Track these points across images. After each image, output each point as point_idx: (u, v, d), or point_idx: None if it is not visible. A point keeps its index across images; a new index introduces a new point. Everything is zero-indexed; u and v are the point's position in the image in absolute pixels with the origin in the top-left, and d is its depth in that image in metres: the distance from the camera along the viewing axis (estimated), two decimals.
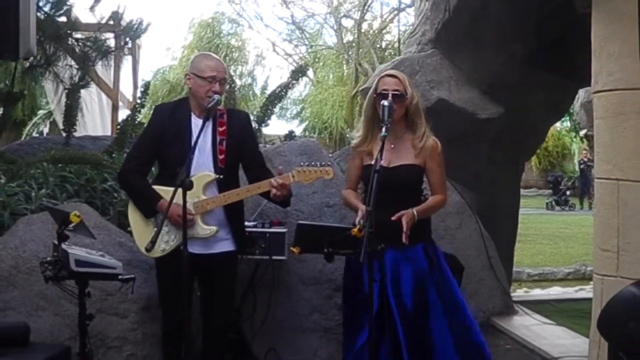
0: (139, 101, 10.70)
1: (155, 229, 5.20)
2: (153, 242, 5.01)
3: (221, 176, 5.56)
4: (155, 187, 5.68)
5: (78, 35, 10.52)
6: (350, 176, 5.79)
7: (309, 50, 43.05)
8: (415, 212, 5.30)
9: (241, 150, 5.76)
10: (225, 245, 5.73)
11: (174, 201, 5.04)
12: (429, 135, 5.52)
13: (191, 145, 5.28)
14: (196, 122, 5.58)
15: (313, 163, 5.62)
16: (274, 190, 5.47)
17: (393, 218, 5.19)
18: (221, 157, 5.59)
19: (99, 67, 12.57)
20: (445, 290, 5.48)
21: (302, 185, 7.14)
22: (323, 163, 5.62)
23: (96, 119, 16.80)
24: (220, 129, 5.64)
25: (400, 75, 5.53)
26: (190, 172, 5.03)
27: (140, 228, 5.72)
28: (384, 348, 5.27)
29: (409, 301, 5.30)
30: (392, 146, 5.45)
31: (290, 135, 10.82)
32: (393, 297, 5.30)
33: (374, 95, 5.43)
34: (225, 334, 6.07)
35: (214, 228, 5.58)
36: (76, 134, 9.99)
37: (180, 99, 6.00)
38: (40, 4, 9.44)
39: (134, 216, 5.78)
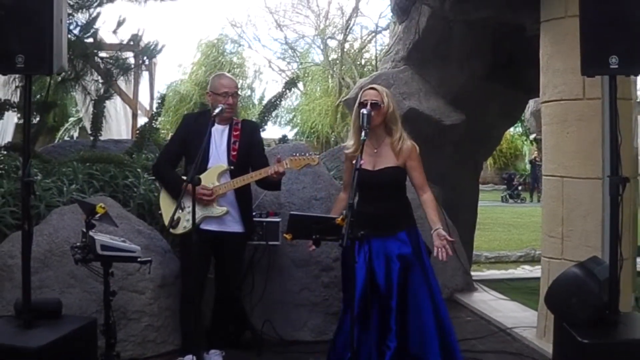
0: (155, 110, 10.66)
1: (180, 210, 5.66)
2: (173, 219, 5.44)
3: (232, 167, 5.90)
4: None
5: (103, 54, 10.47)
6: (346, 179, 5.78)
7: (300, 66, 42.93)
8: (441, 229, 5.26)
9: (250, 151, 6.06)
10: (236, 227, 6.02)
11: (201, 183, 5.30)
12: (406, 139, 5.44)
13: (209, 145, 5.88)
14: (215, 128, 5.95)
15: (302, 153, 5.94)
16: (272, 176, 5.81)
17: (440, 255, 5.17)
18: (233, 153, 5.96)
19: (121, 81, 12.53)
20: (428, 273, 5.45)
21: (294, 181, 7.20)
22: (310, 153, 6.02)
23: (121, 126, 16.78)
24: (235, 133, 6.03)
25: (379, 88, 5.48)
26: (197, 170, 5.13)
27: (167, 210, 5.93)
28: (373, 317, 5.25)
29: (395, 281, 5.27)
30: (375, 151, 5.42)
31: (283, 139, 10.83)
32: (383, 277, 5.29)
33: (357, 106, 5.41)
34: (235, 298, 6.35)
35: (224, 208, 5.90)
36: (101, 138, 9.94)
37: (203, 110, 6.38)
38: (71, 27, 9.41)
39: (163, 201, 6.10)
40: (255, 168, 5.98)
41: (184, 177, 5.79)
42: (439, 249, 5.18)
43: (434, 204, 5.43)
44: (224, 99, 5.92)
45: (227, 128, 6.02)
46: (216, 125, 5.91)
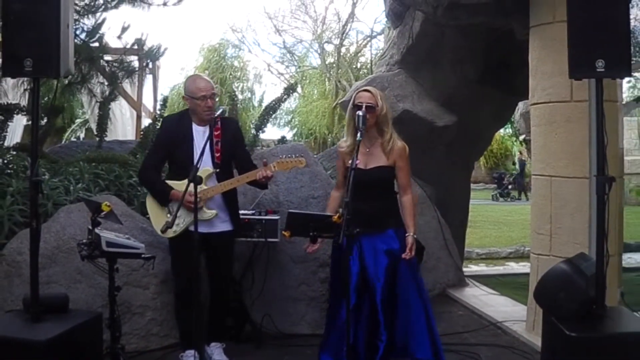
0: (158, 112, 10.65)
1: (169, 215, 5.53)
2: (169, 226, 5.14)
3: (218, 170, 5.74)
4: (168, 181, 5.84)
5: (108, 58, 10.48)
6: (339, 176, 5.75)
7: (298, 70, 43.03)
8: (413, 234, 5.34)
9: (234, 149, 5.90)
10: (225, 226, 5.90)
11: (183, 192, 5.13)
12: (397, 140, 5.43)
13: (193, 147, 5.63)
14: (196, 129, 5.79)
15: (289, 155, 5.86)
16: (261, 180, 5.69)
17: (404, 255, 5.24)
18: (217, 155, 5.75)
19: (126, 84, 12.53)
20: (415, 270, 5.45)
21: (293, 180, 7.19)
22: (297, 155, 5.85)
23: (126, 127, 16.78)
24: (216, 133, 5.76)
25: (374, 91, 5.46)
26: (195, 170, 5.05)
27: (155, 214, 5.86)
28: (364, 311, 5.25)
29: (383, 275, 5.27)
30: (368, 150, 5.41)
31: (282, 140, 10.82)
32: (372, 272, 5.28)
33: (352, 107, 5.40)
34: (228, 295, 6.23)
35: (214, 211, 5.75)
36: (107, 139, 9.94)
37: (182, 111, 6.08)
38: (77, 32, 9.41)
39: (151, 205, 5.93)
40: (240, 166, 5.94)
41: (170, 181, 5.78)
42: (406, 252, 5.28)
43: (411, 208, 5.46)
44: (203, 102, 5.69)
45: (207, 129, 5.65)
46: (196, 126, 5.79)
